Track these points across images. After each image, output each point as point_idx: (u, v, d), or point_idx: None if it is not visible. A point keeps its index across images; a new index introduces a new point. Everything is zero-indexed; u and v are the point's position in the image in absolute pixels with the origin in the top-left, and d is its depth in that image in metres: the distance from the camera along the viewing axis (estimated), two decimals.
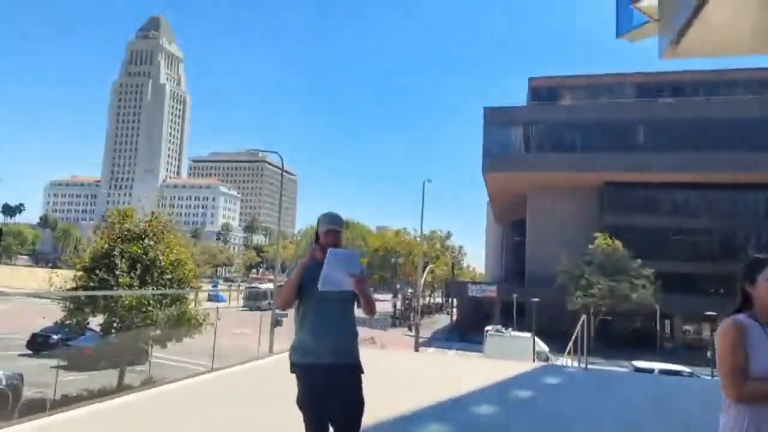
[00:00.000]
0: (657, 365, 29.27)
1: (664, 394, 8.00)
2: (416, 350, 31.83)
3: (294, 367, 3.07)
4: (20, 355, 16.55)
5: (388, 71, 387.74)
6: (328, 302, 2.96)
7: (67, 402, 8.88)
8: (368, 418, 4.78)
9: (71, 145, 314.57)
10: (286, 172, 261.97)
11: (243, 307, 56.58)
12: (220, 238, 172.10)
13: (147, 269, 14.35)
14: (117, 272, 13.55)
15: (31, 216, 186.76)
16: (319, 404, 2.95)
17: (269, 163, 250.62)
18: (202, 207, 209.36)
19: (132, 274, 13.79)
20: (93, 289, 14.01)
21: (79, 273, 14.46)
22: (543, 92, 53.54)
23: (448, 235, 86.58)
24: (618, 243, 41.20)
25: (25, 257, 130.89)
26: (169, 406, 5.48)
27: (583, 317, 9.78)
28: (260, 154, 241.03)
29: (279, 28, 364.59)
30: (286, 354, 8.79)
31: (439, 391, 6.45)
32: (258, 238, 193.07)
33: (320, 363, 2.95)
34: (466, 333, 45.71)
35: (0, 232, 39.46)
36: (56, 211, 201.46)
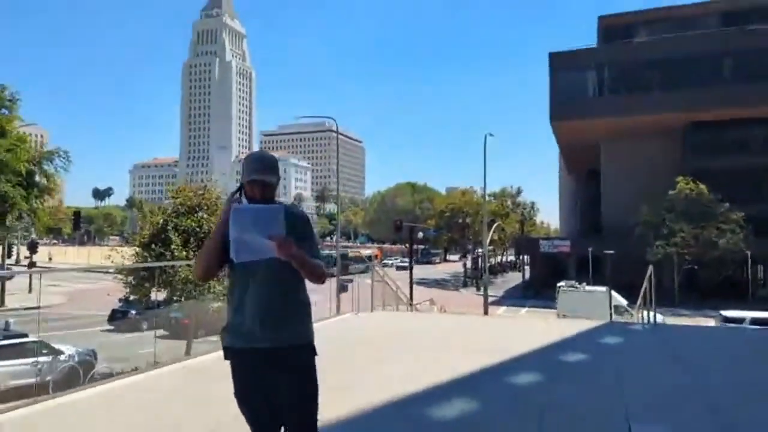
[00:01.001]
0: (748, 314, 27.22)
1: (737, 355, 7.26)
2: (485, 311, 31.48)
3: (226, 352, 2.45)
4: (102, 330, 17.91)
5: (447, 25, 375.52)
6: (254, 272, 2.35)
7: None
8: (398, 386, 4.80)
9: (152, 128, 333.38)
10: (352, 139, 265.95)
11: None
12: None
13: (201, 242, 14.86)
14: (172, 246, 14.15)
15: (119, 199, 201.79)
16: (255, 399, 2.40)
17: (339, 133, 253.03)
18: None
19: (187, 248, 14.36)
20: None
21: (138, 249, 15.20)
22: (616, 31, 49.57)
23: (519, 192, 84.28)
24: (702, 187, 38.17)
25: (116, 238, 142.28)
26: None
27: (651, 268, 9.07)
28: (327, 123, 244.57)
29: None
30: (350, 314, 8.89)
31: (460, 360, 6.11)
32: (330, 207, 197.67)
33: (255, 347, 2.37)
34: (539, 290, 44.74)
35: (78, 214, 42.63)
36: (141, 192, 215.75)
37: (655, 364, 6.16)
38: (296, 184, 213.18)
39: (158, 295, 14.99)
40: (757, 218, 37.32)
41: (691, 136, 44.69)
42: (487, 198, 70.94)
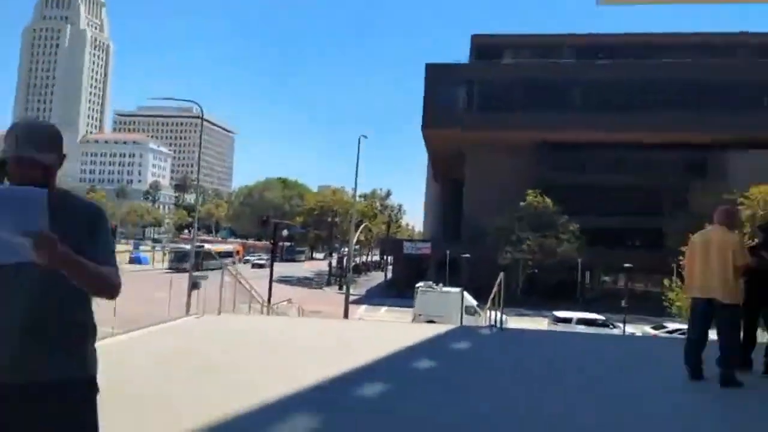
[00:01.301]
0: (575, 314, 30.70)
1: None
2: (346, 310, 31.58)
3: None
4: None
5: (327, 26, 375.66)
6: (3, 282, 1.66)
7: None
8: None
9: None
10: (222, 128, 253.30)
11: (168, 269, 54.37)
12: (148, 197, 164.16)
13: None
14: None
15: None
16: None
17: (206, 120, 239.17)
18: (129, 164, 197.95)
19: None
20: None
21: None
22: (486, 50, 53.12)
23: (388, 194, 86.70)
24: (548, 200, 42.35)
25: None
26: None
27: (502, 275, 9.44)
28: (194, 110, 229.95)
29: None
30: (191, 317, 7.72)
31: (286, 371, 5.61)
32: (191, 197, 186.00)
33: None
34: (400, 290, 46.11)
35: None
36: None
37: (499, 369, 6.31)
38: (153, 171, 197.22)
39: None
40: (590, 229, 42.38)
41: (541, 154, 49.39)
42: (357, 198, 72.20)
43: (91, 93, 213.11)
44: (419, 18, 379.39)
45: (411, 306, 33.14)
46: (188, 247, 66.47)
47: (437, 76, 49.69)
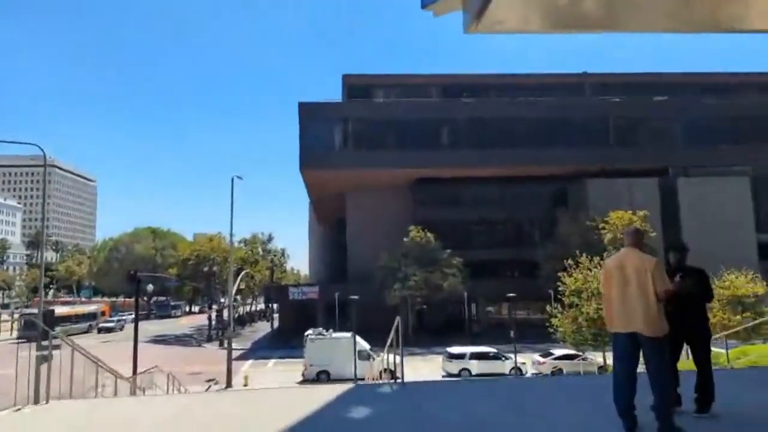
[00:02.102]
0: (468, 349, 30.74)
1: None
2: (228, 369, 28.65)
3: None
4: None
5: (195, 69, 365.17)
6: None
7: None
8: None
9: None
10: (82, 176, 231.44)
11: (19, 338, 46.69)
12: None
13: None
14: None
15: None
16: None
17: (60, 168, 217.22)
18: None
19: None
20: None
21: None
22: (358, 90, 53.89)
23: (270, 238, 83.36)
24: (430, 235, 42.97)
25: None
26: None
27: (398, 319, 8.35)
28: (50, 158, 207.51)
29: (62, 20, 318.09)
30: (57, 403, 5.51)
31: None
32: (48, 255, 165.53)
33: None
34: (288, 339, 43.59)
35: None
36: None
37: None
38: (0, 228, 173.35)
39: None
40: (471, 263, 43.56)
41: (417, 191, 50.55)
42: (236, 244, 68.35)
43: None
44: (293, 57, 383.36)
45: (301, 356, 31.27)
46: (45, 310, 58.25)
47: (311, 115, 49.30)
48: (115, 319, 62.60)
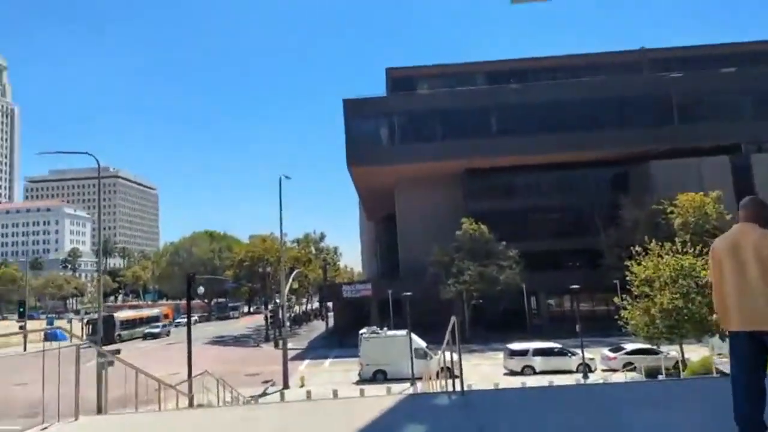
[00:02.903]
0: (531, 345, 29.22)
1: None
2: (285, 374, 28.47)
3: None
4: None
5: (242, 73, 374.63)
6: None
7: None
8: None
9: None
10: (143, 185, 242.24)
11: (86, 343, 48.80)
12: (66, 267, 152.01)
13: None
14: None
15: None
16: None
17: (123, 178, 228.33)
18: (44, 233, 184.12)
19: None
20: None
21: None
22: (402, 82, 52.97)
23: (322, 237, 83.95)
24: (483, 227, 41.47)
25: None
26: None
27: (453, 319, 7.39)
28: (111, 169, 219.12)
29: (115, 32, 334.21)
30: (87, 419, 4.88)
31: None
32: (115, 262, 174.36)
33: None
34: (342, 339, 43.32)
35: None
36: None
37: None
38: (71, 238, 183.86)
39: None
40: (528, 254, 41.74)
41: (468, 182, 49.04)
42: (289, 244, 69.11)
43: None
44: (337, 55, 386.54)
45: (357, 355, 30.78)
46: (118, 314, 60.71)
47: (356, 111, 48.77)
48: (160, 324, 63.65)
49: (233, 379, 29.22)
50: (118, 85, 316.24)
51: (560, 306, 47.91)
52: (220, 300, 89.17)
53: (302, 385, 28.00)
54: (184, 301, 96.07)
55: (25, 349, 44.33)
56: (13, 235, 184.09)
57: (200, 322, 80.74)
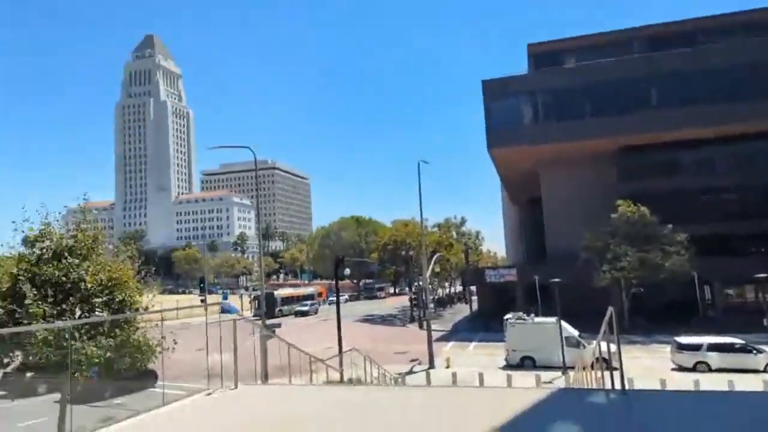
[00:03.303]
0: (705, 339, 26.11)
1: None
2: (430, 355, 29.03)
3: None
4: None
5: (385, 57, 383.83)
6: None
7: None
8: None
9: (81, 170, 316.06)
10: (297, 175, 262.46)
11: (254, 316, 54.57)
12: (237, 249, 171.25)
13: (65, 294, 11.83)
14: (27, 302, 11.04)
15: None
16: None
17: (280, 169, 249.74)
18: (217, 219, 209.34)
19: (48, 302, 11.29)
20: (2, 324, 11.48)
21: None
22: (545, 58, 50.04)
23: (463, 221, 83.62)
24: (644, 209, 37.77)
25: None
26: None
27: (610, 310, 6.78)
28: (270, 161, 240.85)
29: (270, 33, 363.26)
30: (245, 387, 5.80)
31: None
32: (275, 245, 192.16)
33: None
34: (487, 322, 42.85)
35: None
36: None
37: None
38: (240, 223, 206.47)
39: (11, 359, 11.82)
40: (697, 239, 37.16)
41: (622, 161, 44.91)
42: (430, 228, 70.02)
43: (177, 158, 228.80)
44: (471, 36, 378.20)
45: (502, 340, 30.33)
46: (280, 291, 67.02)
47: (496, 91, 47.13)
48: (308, 303, 67.75)
49: (382, 357, 30.58)
50: (274, 85, 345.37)
51: (742, 296, 41.96)
52: (368, 281, 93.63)
53: (448, 366, 28.33)
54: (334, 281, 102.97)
55: (206, 319, 50.99)
56: (193, 221, 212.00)
57: (350, 300, 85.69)
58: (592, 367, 12.57)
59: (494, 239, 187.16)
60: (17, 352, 11.52)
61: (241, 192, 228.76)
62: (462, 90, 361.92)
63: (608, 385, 7.18)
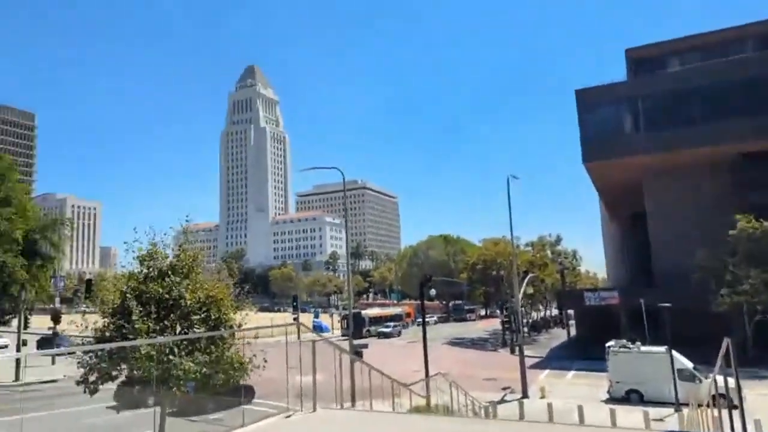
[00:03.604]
0: None
1: None
2: (523, 379, 27.21)
3: None
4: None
5: (471, 74, 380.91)
6: None
7: None
8: None
9: (192, 195, 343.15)
10: (386, 194, 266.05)
11: (342, 335, 54.97)
12: (329, 267, 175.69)
13: (169, 311, 12.28)
14: (133, 317, 11.59)
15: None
16: None
17: (370, 189, 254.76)
18: (311, 238, 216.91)
19: (151, 318, 11.81)
20: (110, 339, 12.17)
21: (105, 320, 12.72)
22: (645, 63, 46.58)
23: (558, 240, 79.42)
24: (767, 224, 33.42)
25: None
26: None
27: (727, 342, 5.60)
28: (360, 182, 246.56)
29: (362, 61, 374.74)
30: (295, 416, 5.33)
31: None
32: (365, 264, 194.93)
33: None
34: (588, 349, 39.78)
35: (90, 282, 41.02)
36: None
37: None
38: (331, 242, 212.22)
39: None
40: None
41: (741, 170, 40.19)
42: (522, 247, 67.06)
43: (275, 180, 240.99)
44: (564, 45, 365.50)
45: (603, 369, 27.85)
46: (367, 311, 67.25)
47: (591, 101, 44.36)
48: (391, 324, 66.28)
49: (471, 383, 29.20)
50: (365, 107, 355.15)
51: None
52: (457, 302, 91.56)
53: (542, 396, 26.39)
54: (425, 302, 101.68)
55: (299, 338, 52.10)
56: (288, 241, 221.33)
57: (439, 322, 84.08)
58: (709, 404, 11.00)
59: (593, 260, 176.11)
60: (123, 366, 12.05)
61: (333, 212, 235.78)
62: (553, 101, 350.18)
63: (729, 428, 6.17)
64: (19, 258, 26.65)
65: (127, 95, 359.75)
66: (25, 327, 42.83)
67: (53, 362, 36.19)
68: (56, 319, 46.22)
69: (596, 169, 45.85)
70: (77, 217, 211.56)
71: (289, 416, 6.97)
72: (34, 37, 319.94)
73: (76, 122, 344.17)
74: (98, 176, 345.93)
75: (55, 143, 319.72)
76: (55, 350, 43.64)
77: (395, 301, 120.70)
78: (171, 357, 11.37)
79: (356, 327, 54.11)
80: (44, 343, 49.02)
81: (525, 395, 26.79)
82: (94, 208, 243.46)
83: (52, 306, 56.01)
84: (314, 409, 7.15)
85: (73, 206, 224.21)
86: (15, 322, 38.71)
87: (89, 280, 43.20)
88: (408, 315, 77.16)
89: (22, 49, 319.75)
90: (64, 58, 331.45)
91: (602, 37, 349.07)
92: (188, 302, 12.55)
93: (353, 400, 13.79)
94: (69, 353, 14.30)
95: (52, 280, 38.08)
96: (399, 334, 64.71)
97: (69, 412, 18.57)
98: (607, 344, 28.12)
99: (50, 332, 50.42)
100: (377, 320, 67.31)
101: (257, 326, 13.05)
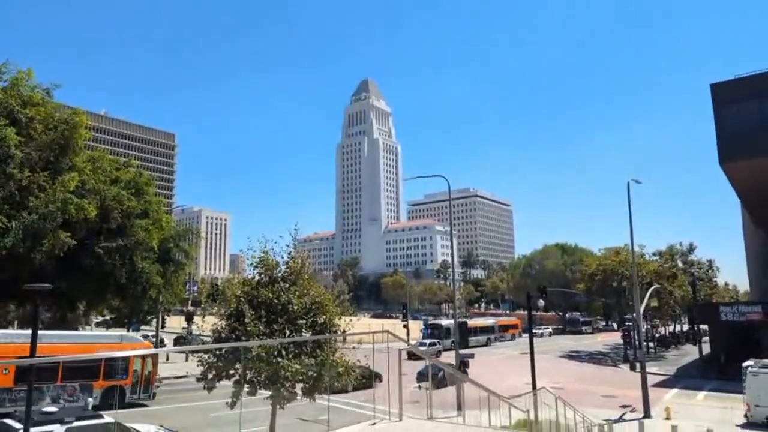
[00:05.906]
0: None
1: None
2: (645, 399, 25.12)
3: None
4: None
5: (588, 78, 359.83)
6: None
7: None
8: None
9: (311, 205, 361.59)
10: (499, 202, 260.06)
11: (419, 345, 54.34)
12: (439, 276, 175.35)
13: (277, 315, 13.12)
14: (246, 320, 12.68)
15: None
16: None
17: (481, 197, 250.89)
18: (422, 247, 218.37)
19: (262, 321, 12.81)
20: (226, 340, 13.32)
21: (222, 322, 14.00)
22: None
23: (691, 248, 72.21)
24: None
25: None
26: None
27: None
28: (471, 189, 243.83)
29: (473, 62, 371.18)
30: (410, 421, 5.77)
31: None
32: (476, 273, 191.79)
33: None
34: (724, 368, 35.78)
35: (215, 287, 44.71)
36: None
37: None
38: (442, 251, 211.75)
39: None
40: None
41: None
42: (648, 257, 61.82)
43: (387, 190, 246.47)
44: (682, 41, 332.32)
45: (740, 391, 24.91)
46: (444, 322, 66.41)
47: (732, 95, 39.78)
48: (485, 337, 65.37)
49: (588, 399, 27.65)
50: (477, 115, 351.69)
51: None
52: (574, 313, 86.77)
53: (667, 417, 24.25)
54: (540, 313, 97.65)
55: (408, 344, 52.91)
56: (400, 249, 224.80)
57: (554, 334, 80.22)
58: None
59: (733, 270, 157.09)
60: (237, 366, 13.18)
61: (443, 220, 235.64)
62: (681, 98, 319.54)
63: None
64: (155, 265, 29.54)
65: (254, 113, 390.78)
66: (162, 327, 48.20)
67: (186, 359, 40.28)
68: (190, 319, 51.49)
69: (737, 170, 41.05)
70: (211, 228, 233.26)
71: (373, 424, 7.21)
72: (177, 69, 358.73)
73: (210, 139, 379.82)
74: (228, 189, 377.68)
75: (192, 158, 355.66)
76: (176, 348, 48.41)
77: (506, 311, 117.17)
78: (279, 359, 12.12)
79: (461, 336, 53.38)
80: (180, 341, 54.71)
81: (647, 415, 24.78)
82: (225, 219, 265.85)
83: (186, 308, 62.41)
84: (400, 418, 7.32)
85: (207, 217, 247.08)
86: (155, 323, 43.73)
87: (215, 285, 47.38)
88: (515, 326, 74.67)
89: (169, 77, 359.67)
90: (199, 83, 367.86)
91: (727, 30, 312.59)
92: (296, 307, 13.25)
93: (458, 408, 13.67)
94: (192, 351, 15.82)
95: (186, 285, 42.31)
96: (488, 344, 64.47)
97: (197, 405, 20.58)
98: (745, 363, 25.14)
99: (184, 331, 56.20)
100: (479, 330, 66.86)
101: (349, 333, 13.36)
